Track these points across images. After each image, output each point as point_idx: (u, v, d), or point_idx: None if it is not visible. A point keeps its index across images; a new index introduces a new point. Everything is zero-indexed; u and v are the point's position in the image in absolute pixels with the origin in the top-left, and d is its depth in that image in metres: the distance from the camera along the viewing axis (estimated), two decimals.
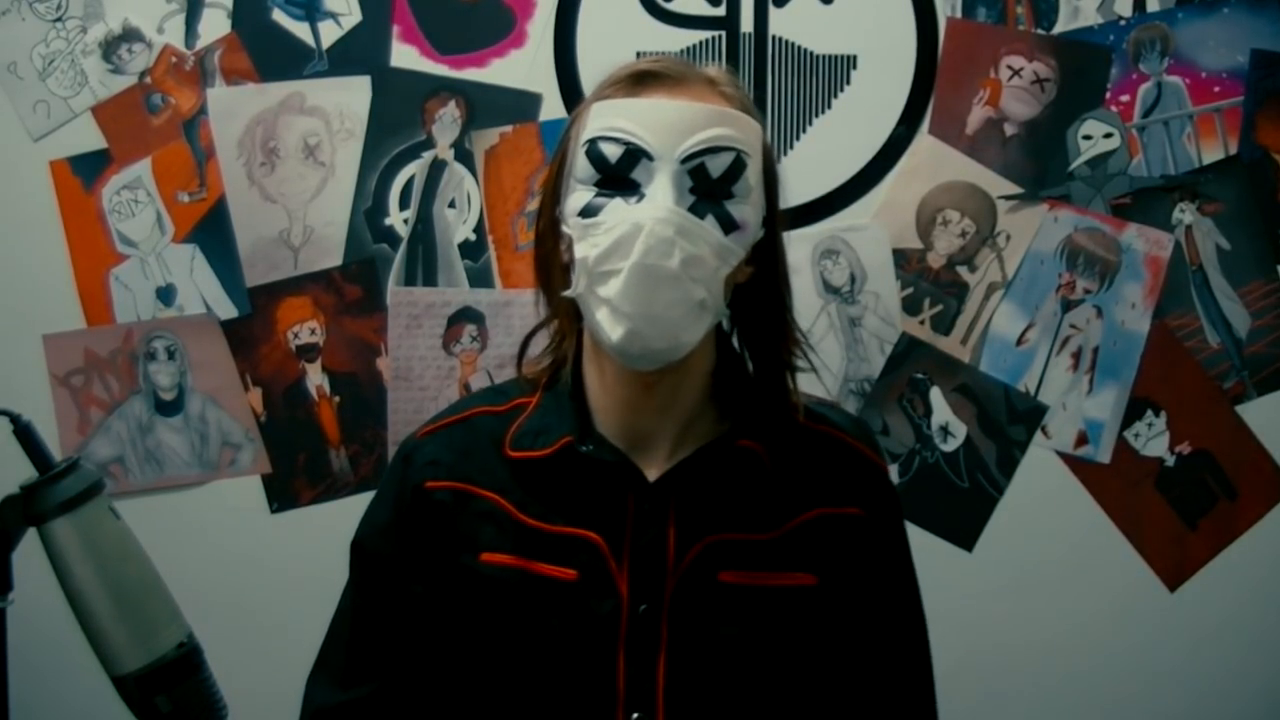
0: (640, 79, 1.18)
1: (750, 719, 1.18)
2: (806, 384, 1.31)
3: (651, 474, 1.22)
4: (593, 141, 1.16)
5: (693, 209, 1.14)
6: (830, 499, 1.22)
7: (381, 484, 1.31)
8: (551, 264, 1.24)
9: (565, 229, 1.18)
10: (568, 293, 1.18)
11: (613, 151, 1.15)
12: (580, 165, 1.17)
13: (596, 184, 1.16)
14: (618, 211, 1.13)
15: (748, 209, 1.17)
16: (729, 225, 1.15)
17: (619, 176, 1.14)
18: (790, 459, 1.23)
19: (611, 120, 1.15)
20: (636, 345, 1.13)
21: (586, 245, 1.14)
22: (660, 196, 1.12)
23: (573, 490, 1.21)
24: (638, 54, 2.01)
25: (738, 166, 1.16)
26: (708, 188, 1.15)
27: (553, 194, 1.22)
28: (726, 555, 1.20)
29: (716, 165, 1.15)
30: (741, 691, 1.17)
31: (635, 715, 1.18)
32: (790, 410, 1.26)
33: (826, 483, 1.23)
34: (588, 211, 1.15)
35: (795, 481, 1.22)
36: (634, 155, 1.14)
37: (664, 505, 1.21)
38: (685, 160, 1.14)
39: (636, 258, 1.11)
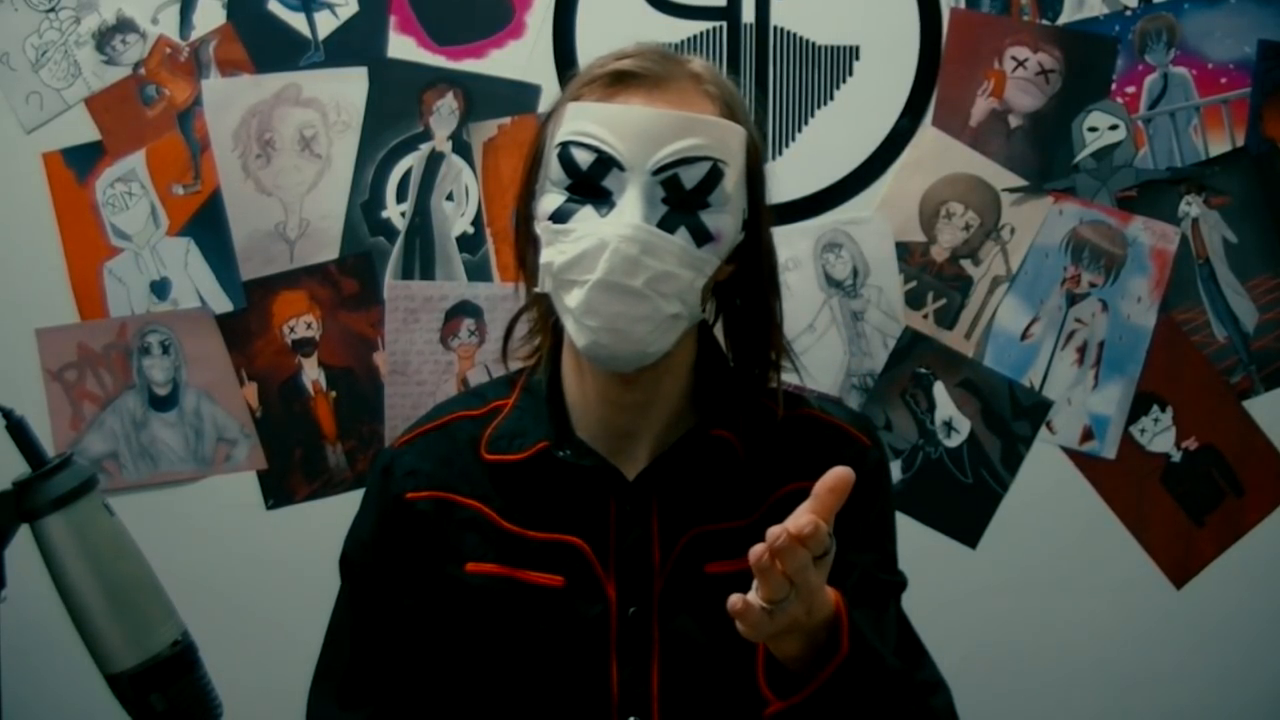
0: (618, 79, 1.17)
1: (747, 713, 1.18)
2: (807, 381, 1.31)
3: (632, 471, 1.22)
4: (565, 145, 1.15)
5: (664, 221, 1.13)
6: (803, 474, 1.18)
7: (363, 497, 1.31)
8: (526, 258, 1.24)
9: (536, 229, 1.18)
10: (537, 289, 1.19)
11: (584, 158, 1.14)
12: (553, 167, 1.16)
13: (568, 188, 1.15)
14: (587, 222, 1.13)
15: (724, 218, 1.16)
16: (703, 237, 1.15)
17: (590, 183, 1.14)
18: (765, 443, 1.23)
19: (584, 125, 1.14)
20: (602, 353, 1.14)
21: (554, 251, 1.15)
22: (629, 212, 1.12)
23: (553, 495, 1.21)
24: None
25: (714, 176, 1.14)
26: (681, 199, 1.14)
27: (527, 190, 1.22)
28: (710, 546, 1.20)
29: (690, 176, 1.14)
30: (737, 686, 1.17)
31: (631, 719, 1.19)
32: (768, 399, 1.26)
33: (801, 460, 1.21)
34: (558, 217, 1.15)
35: (770, 464, 1.22)
36: (605, 163, 1.13)
37: (645, 504, 1.21)
38: (657, 172, 1.13)
39: (600, 274, 1.11)
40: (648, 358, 1.15)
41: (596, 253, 1.11)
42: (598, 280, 1.11)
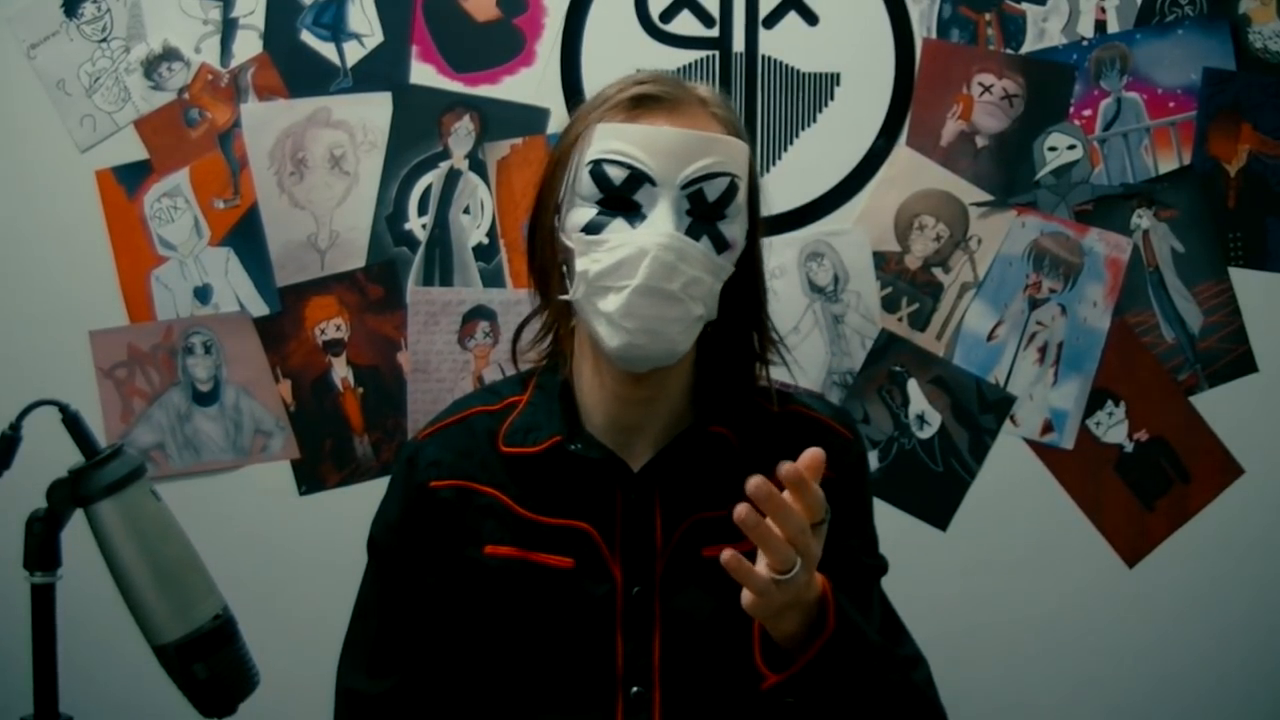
0: (639, 102, 1.16)
1: (741, 684, 1.17)
2: (795, 377, 1.31)
3: (637, 464, 1.21)
4: (598, 163, 1.14)
5: (689, 230, 1.13)
6: None
7: (389, 484, 1.30)
8: (549, 269, 1.22)
9: (566, 241, 1.17)
10: (565, 297, 1.18)
11: (617, 174, 1.13)
12: (584, 183, 1.15)
13: (599, 202, 1.14)
14: (621, 232, 1.13)
15: (737, 227, 1.17)
16: (721, 244, 1.15)
17: (622, 198, 1.13)
18: (760, 438, 1.22)
19: (615, 144, 1.14)
20: (634, 353, 1.13)
21: (588, 260, 1.14)
22: (662, 222, 1.12)
23: (565, 484, 1.21)
24: (638, 71, 2.00)
25: (731, 190, 1.15)
26: (703, 210, 1.14)
27: (551, 204, 1.20)
28: (708, 532, 1.19)
29: (713, 190, 1.14)
30: (732, 659, 1.17)
31: (634, 689, 1.18)
32: (762, 397, 1.25)
33: (790, 453, 1.19)
34: (591, 228, 1.14)
35: (762, 456, 1.21)
36: (638, 179, 1.13)
37: (649, 493, 1.20)
38: (685, 186, 1.13)
39: (641, 280, 1.10)
40: (674, 356, 1.15)
41: (636, 259, 1.11)
42: (639, 285, 1.10)
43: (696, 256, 1.12)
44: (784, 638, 1.07)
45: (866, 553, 1.29)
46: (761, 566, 1.01)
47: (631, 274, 1.11)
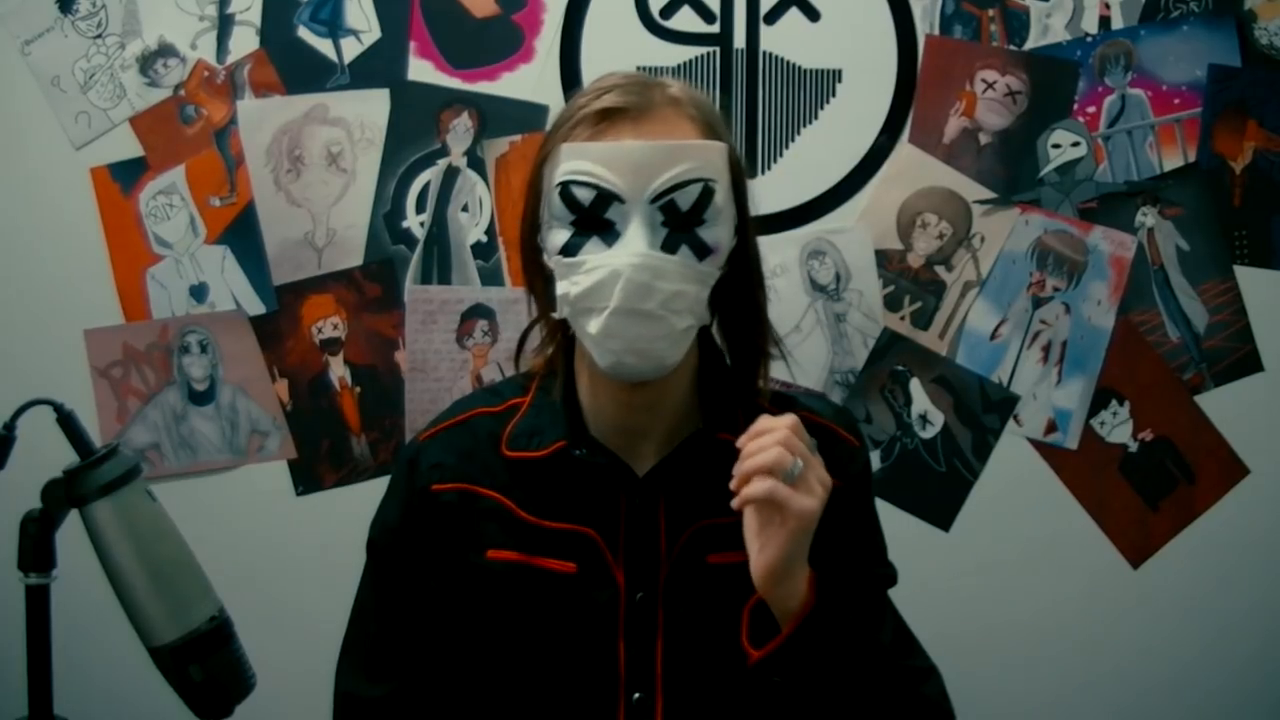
0: (605, 116, 1.15)
1: (743, 693, 1.17)
2: (795, 376, 1.31)
3: (642, 468, 1.21)
4: (565, 185, 1.13)
5: (666, 242, 1.12)
6: None
7: (389, 486, 1.29)
8: (537, 287, 1.23)
9: (548, 262, 1.17)
10: (556, 315, 1.18)
11: (585, 195, 1.12)
12: (555, 205, 1.14)
13: (572, 223, 1.14)
14: (596, 254, 1.12)
15: (719, 230, 1.15)
16: (702, 251, 1.14)
17: (593, 217, 1.13)
18: None
19: (580, 164, 1.13)
20: (623, 370, 1.13)
21: (568, 283, 1.14)
22: (634, 241, 1.11)
23: (569, 489, 1.20)
24: (637, 68, 2.00)
25: (706, 195, 1.13)
26: (679, 220, 1.13)
27: (531, 224, 1.20)
28: (713, 539, 1.19)
29: (685, 199, 1.12)
30: (734, 667, 1.16)
31: (636, 696, 1.18)
32: (762, 400, 1.25)
33: None
34: (567, 250, 1.14)
35: None
36: (606, 199, 1.12)
37: (653, 499, 1.20)
38: (655, 200, 1.11)
39: (617, 303, 1.10)
40: (666, 369, 1.15)
41: (611, 282, 1.10)
42: (616, 308, 1.10)
43: (674, 270, 1.11)
44: (785, 615, 1.08)
45: (877, 561, 1.29)
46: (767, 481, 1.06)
47: (607, 297, 1.10)
